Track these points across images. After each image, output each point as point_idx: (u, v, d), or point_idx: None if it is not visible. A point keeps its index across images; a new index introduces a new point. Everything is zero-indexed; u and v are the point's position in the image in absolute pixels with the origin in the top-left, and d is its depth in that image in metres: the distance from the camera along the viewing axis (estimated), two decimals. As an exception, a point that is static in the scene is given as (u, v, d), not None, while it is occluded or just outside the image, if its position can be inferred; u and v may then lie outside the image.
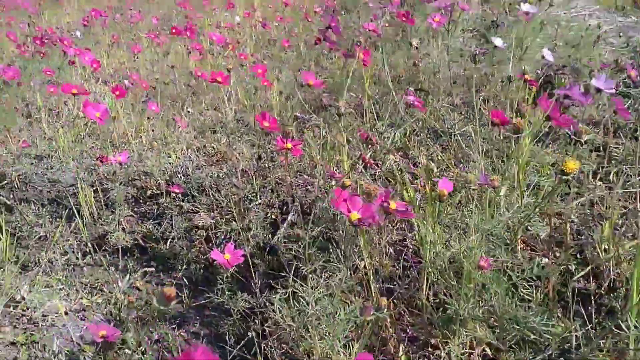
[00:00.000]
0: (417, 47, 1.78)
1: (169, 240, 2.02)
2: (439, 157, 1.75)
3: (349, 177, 1.17)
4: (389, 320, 1.05)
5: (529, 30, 1.96)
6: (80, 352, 1.39)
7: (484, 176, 1.05)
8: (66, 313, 1.53)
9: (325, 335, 0.97)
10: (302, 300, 1.10)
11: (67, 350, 1.37)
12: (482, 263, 0.92)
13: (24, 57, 3.79)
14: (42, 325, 1.47)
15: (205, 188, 2.09)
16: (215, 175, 2.13)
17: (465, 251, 0.97)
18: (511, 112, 1.99)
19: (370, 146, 1.46)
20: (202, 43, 3.94)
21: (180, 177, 2.22)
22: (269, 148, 2.04)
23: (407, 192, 1.31)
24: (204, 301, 1.80)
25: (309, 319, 1.01)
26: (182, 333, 1.70)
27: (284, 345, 1.19)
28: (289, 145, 1.59)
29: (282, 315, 1.11)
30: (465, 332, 0.92)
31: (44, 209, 2.33)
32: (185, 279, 1.90)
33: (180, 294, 1.85)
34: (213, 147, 2.38)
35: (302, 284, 1.14)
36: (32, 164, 2.60)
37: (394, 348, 1.03)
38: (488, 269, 0.91)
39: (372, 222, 0.92)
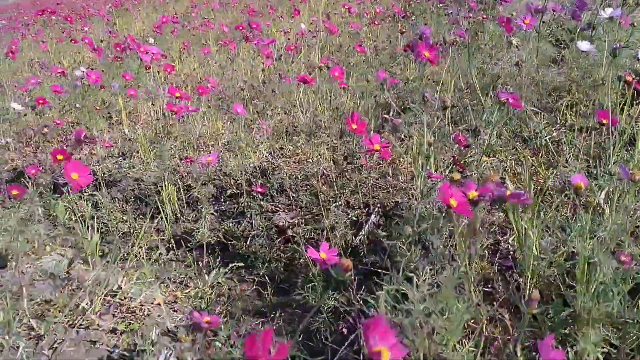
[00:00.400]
0: (517, 46, 1.76)
1: (250, 238, 2.06)
2: (529, 161, 1.72)
3: (457, 173, 1.17)
4: (508, 319, 1.04)
5: (620, 33, 1.91)
6: (176, 341, 1.43)
7: (624, 169, 1.03)
8: (159, 304, 1.58)
9: (436, 332, 0.97)
10: (402, 298, 1.10)
11: (165, 339, 1.42)
12: (623, 258, 0.90)
13: (101, 60, 3.95)
14: (139, 314, 1.53)
15: (285, 188, 2.13)
16: (294, 176, 2.16)
17: (590, 251, 0.96)
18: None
19: (463, 148, 1.45)
20: (270, 48, 4.01)
21: (259, 177, 2.26)
22: (351, 149, 2.06)
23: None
24: (286, 299, 1.82)
25: (417, 316, 1.01)
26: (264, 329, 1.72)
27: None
28: (377, 146, 1.60)
29: (383, 312, 1.11)
30: (593, 334, 0.90)
31: (128, 206, 2.42)
32: (266, 277, 1.93)
33: (262, 291, 1.89)
34: (290, 149, 2.41)
35: (395, 282, 1.14)
36: (115, 163, 2.70)
37: (507, 347, 1.02)
38: (629, 265, 0.89)
39: (490, 198, 0.93)
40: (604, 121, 1.16)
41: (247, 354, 0.70)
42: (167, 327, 1.49)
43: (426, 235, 1.20)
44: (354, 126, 1.65)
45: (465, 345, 0.95)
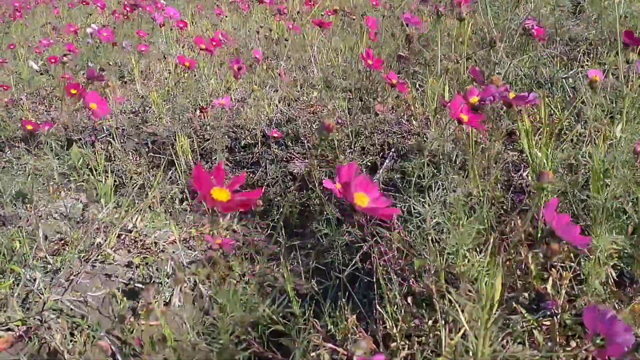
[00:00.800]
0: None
1: (264, 186, 2.07)
2: (545, 100, 1.70)
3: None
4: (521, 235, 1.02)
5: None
6: (190, 274, 1.44)
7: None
8: (174, 241, 1.60)
9: (447, 246, 0.96)
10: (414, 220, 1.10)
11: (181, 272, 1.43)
12: (639, 148, 0.89)
13: (114, 21, 3.94)
14: (153, 250, 1.54)
15: (300, 137, 2.12)
16: (309, 125, 2.15)
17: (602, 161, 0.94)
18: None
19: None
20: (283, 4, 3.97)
21: (273, 127, 2.25)
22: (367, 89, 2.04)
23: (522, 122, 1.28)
24: (300, 243, 1.83)
25: (428, 232, 1.01)
26: (279, 269, 1.73)
27: (395, 266, 1.19)
28: (394, 81, 1.59)
29: (396, 233, 1.11)
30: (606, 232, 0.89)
31: (142, 159, 2.43)
32: (280, 223, 1.93)
33: (274, 232, 1.90)
34: (305, 100, 2.40)
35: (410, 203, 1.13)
36: (129, 118, 2.71)
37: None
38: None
39: (492, 101, 0.93)
40: (628, 41, 1.13)
41: (195, 180, 0.68)
42: (182, 262, 1.50)
43: (439, 159, 1.19)
44: (370, 62, 1.63)
45: (476, 256, 0.94)
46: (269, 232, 1.92)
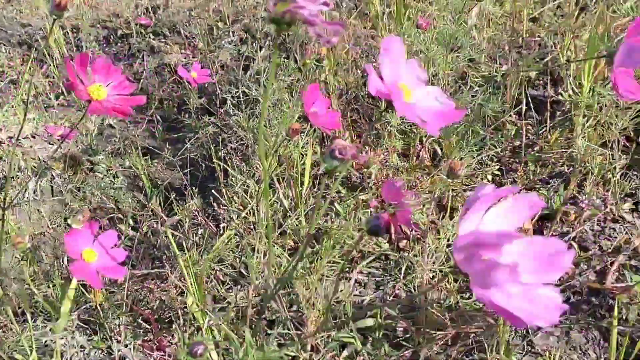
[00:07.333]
0: None
1: (142, 79, 1.99)
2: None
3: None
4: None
5: None
6: (48, 169, 1.41)
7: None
8: (34, 136, 1.54)
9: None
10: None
11: (33, 166, 1.39)
12: (421, 22, 0.90)
13: None
14: (7, 145, 1.49)
15: (176, 25, 2.03)
16: (185, 11, 2.06)
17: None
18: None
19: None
20: None
21: (151, 14, 2.14)
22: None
23: None
24: (177, 136, 1.81)
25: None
26: (155, 163, 1.72)
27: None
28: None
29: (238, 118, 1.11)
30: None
31: (15, 52, 2.28)
32: (158, 117, 1.89)
33: (153, 129, 1.86)
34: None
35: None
36: (1, 9, 2.51)
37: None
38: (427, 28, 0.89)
39: None
40: None
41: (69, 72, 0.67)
42: (38, 157, 1.46)
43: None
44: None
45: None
46: (145, 124, 1.87)
